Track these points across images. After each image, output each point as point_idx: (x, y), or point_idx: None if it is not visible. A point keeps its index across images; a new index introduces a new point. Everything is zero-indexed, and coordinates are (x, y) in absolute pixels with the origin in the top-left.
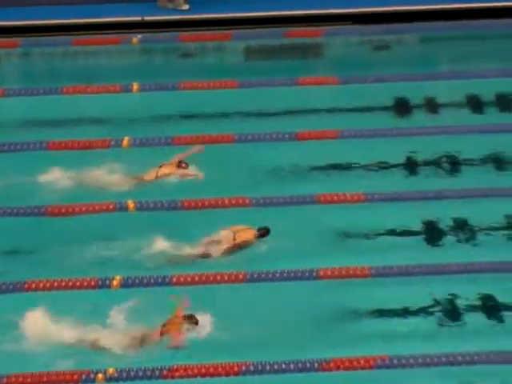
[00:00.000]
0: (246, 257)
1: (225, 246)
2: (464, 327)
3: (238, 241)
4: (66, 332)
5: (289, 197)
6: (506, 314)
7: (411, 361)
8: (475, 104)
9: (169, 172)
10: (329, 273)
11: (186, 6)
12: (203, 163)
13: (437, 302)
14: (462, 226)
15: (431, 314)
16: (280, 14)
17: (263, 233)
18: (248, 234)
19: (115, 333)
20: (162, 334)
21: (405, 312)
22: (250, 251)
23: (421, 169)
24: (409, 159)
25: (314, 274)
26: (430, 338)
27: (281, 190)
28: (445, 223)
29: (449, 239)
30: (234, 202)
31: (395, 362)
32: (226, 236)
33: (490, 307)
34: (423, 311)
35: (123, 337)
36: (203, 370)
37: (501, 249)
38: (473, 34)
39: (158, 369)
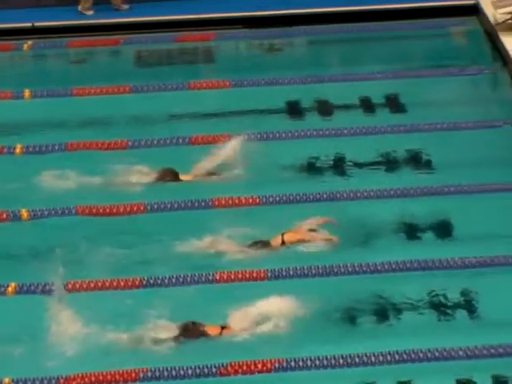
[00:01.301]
0: None
1: None
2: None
3: None
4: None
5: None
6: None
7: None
8: (367, 106)
9: None
10: None
11: (126, 7)
12: None
13: None
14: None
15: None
16: (170, 19)
17: None
18: None
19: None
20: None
21: None
22: None
23: (316, 171)
24: (303, 161)
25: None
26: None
27: None
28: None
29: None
30: None
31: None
32: None
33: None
34: None
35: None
36: None
37: None
38: (361, 36)
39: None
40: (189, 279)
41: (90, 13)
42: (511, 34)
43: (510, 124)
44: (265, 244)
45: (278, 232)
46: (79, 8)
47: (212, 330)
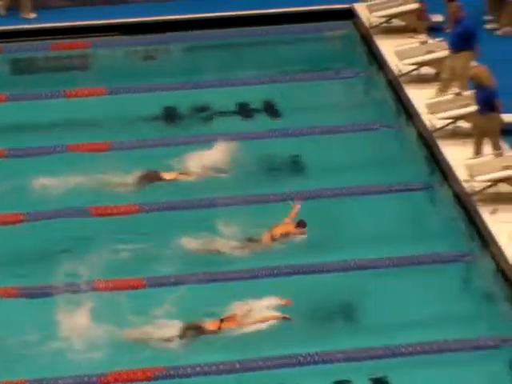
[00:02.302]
0: None
1: None
2: None
3: None
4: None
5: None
6: None
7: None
8: (245, 111)
9: None
10: None
11: (33, 15)
12: None
13: None
14: None
15: None
16: (46, 27)
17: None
18: None
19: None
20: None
21: None
22: None
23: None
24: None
25: None
26: None
27: None
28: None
29: None
30: None
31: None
32: None
33: None
34: None
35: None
36: None
37: None
38: (238, 42)
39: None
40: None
41: (33, 16)
42: (386, 37)
43: (386, 126)
44: None
45: None
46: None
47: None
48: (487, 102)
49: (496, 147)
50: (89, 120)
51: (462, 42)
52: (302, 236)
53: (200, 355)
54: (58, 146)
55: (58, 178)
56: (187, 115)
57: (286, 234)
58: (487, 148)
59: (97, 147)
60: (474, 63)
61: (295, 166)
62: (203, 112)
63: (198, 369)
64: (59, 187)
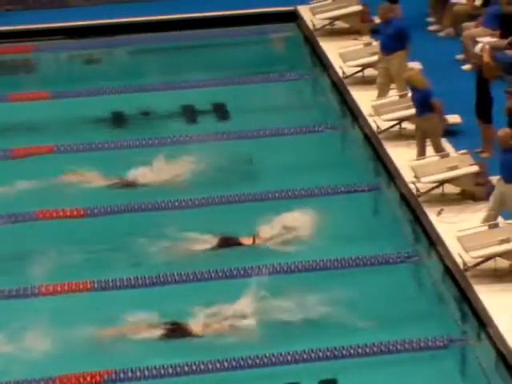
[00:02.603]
0: None
1: None
2: None
3: None
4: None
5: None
6: None
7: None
8: (190, 114)
9: None
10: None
11: None
12: None
13: None
14: None
15: None
16: None
17: None
18: None
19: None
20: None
21: None
22: None
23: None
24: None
25: None
26: None
27: None
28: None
29: None
30: None
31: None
32: None
33: None
34: None
35: None
36: None
37: None
38: (183, 45)
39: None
40: None
41: None
42: (330, 39)
43: (332, 128)
44: None
45: None
46: None
47: None
48: (424, 104)
49: (438, 148)
50: (33, 124)
51: (395, 42)
52: None
53: (150, 359)
54: (1, 150)
55: (3, 182)
56: (133, 118)
57: None
58: (432, 149)
59: (41, 151)
60: (407, 66)
61: (242, 168)
62: (149, 115)
63: (146, 372)
64: (4, 191)
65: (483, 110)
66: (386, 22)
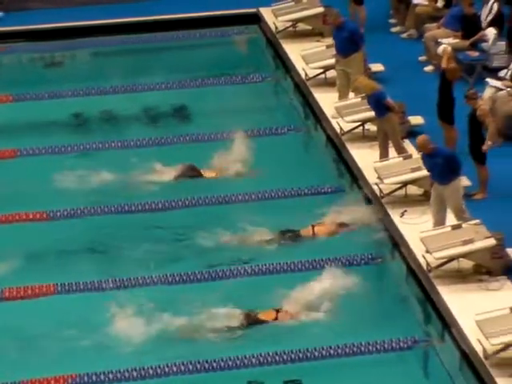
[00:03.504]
0: None
1: None
2: None
3: None
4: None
5: None
6: None
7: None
8: (151, 116)
9: None
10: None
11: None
12: None
13: None
14: None
15: None
16: None
17: None
18: None
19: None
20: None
21: None
22: None
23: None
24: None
25: None
26: None
27: None
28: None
29: None
30: None
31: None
32: None
33: None
34: None
35: None
36: None
37: None
38: (145, 47)
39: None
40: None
41: None
42: (292, 41)
43: (294, 130)
44: None
45: None
46: None
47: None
48: (379, 106)
49: (399, 148)
50: None
51: (350, 45)
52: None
53: (111, 361)
54: None
55: None
56: (95, 121)
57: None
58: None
59: (4, 155)
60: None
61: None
62: (111, 117)
63: (110, 375)
64: None
65: (445, 111)
66: (338, 26)
